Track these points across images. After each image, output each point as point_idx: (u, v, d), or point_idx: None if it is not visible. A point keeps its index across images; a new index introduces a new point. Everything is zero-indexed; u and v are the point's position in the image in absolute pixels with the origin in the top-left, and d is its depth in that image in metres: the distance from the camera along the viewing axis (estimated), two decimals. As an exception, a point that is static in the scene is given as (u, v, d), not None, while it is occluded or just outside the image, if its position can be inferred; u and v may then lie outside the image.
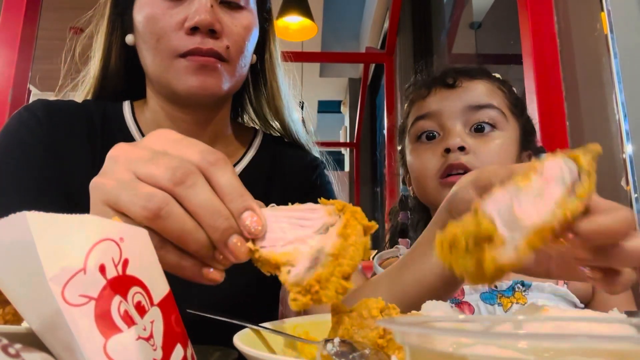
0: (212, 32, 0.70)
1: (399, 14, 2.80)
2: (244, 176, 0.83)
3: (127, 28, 0.78)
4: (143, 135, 0.80)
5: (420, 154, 0.90)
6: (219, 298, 0.74)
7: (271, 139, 0.93)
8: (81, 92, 0.83)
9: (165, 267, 0.37)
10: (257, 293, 0.80)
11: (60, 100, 0.79)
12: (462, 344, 0.19)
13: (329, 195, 0.92)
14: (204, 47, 0.69)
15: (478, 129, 0.85)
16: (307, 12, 3.56)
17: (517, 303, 0.81)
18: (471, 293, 0.85)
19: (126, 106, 0.82)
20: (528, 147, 0.91)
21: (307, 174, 0.91)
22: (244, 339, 0.42)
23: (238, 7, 0.75)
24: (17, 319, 0.38)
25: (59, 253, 0.28)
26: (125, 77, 0.83)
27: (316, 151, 0.96)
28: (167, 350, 0.32)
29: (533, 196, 0.37)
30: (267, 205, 0.41)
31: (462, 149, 0.83)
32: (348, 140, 6.25)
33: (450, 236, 0.37)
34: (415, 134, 0.91)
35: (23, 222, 0.28)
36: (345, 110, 7.05)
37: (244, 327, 0.46)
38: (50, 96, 0.83)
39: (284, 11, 3.72)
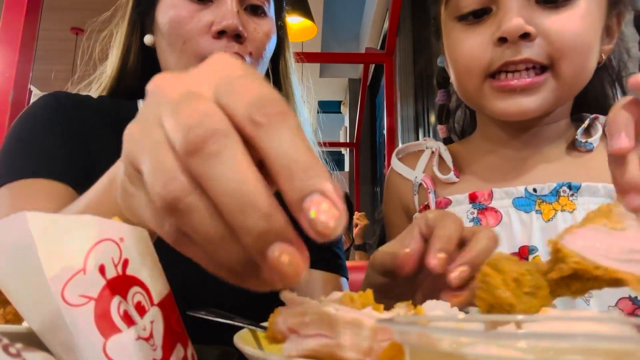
0: (238, 37, 0.71)
1: (398, 15, 2.80)
2: None
3: (147, 28, 0.79)
4: None
5: (462, 39, 0.63)
6: (225, 299, 0.73)
7: None
8: (95, 90, 0.84)
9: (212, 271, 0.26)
10: (266, 298, 0.80)
11: (78, 93, 0.81)
12: (462, 343, 0.19)
13: None
14: (230, 52, 0.70)
15: (549, 0, 0.59)
16: (307, 13, 3.56)
17: (563, 210, 0.63)
18: (501, 198, 0.67)
19: (141, 105, 0.82)
20: (617, 4, 0.65)
21: None
22: (244, 339, 0.42)
23: (261, 14, 0.76)
24: (17, 318, 0.38)
25: (59, 253, 0.28)
26: (141, 76, 0.83)
27: (321, 159, 0.96)
28: (167, 350, 0.32)
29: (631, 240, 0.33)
30: None
31: (525, 35, 0.58)
32: (348, 141, 6.24)
33: (516, 274, 0.33)
34: (455, 12, 0.64)
35: (23, 223, 0.28)
36: (345, 110, 7.04)
37: (244, 327, 0.46)
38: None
39: (284, 12, 3.71)
